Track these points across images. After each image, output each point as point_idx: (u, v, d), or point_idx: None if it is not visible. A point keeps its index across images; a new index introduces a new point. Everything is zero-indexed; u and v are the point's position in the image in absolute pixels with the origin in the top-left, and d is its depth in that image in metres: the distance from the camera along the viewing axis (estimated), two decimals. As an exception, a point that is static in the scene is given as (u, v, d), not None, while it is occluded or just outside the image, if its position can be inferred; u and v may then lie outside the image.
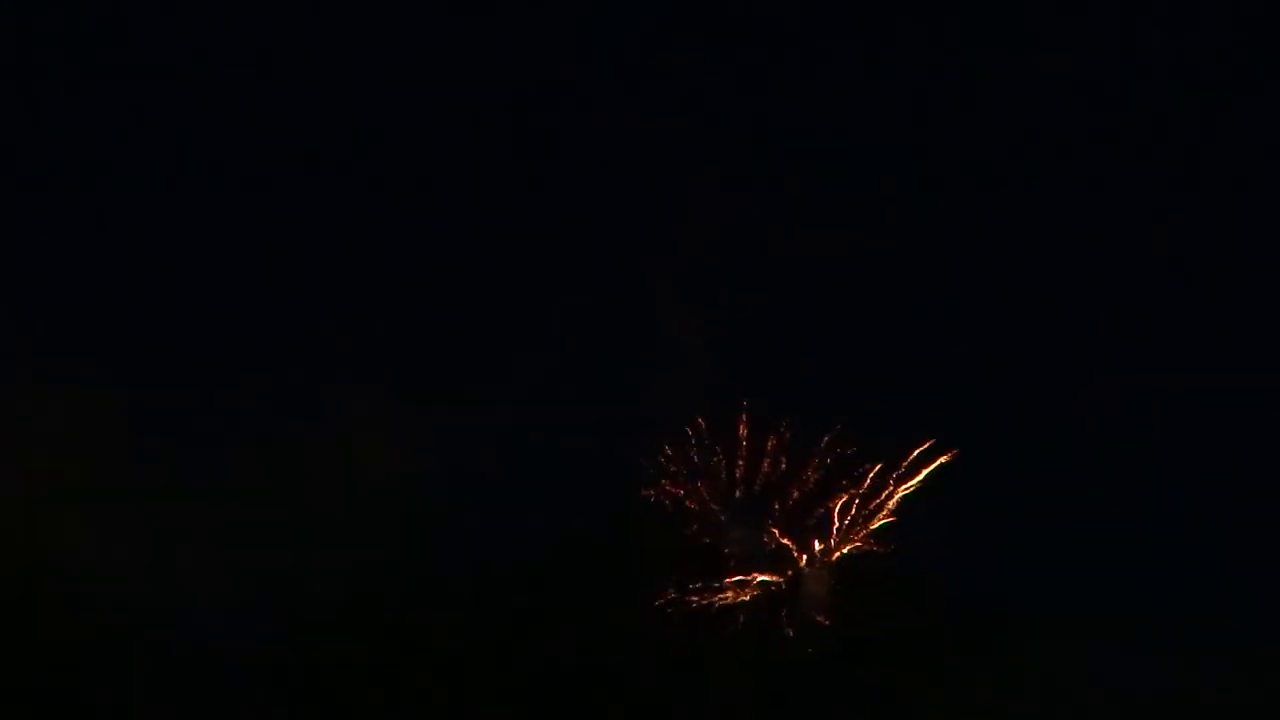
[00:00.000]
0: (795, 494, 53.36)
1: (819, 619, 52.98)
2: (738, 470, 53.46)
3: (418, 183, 57.92)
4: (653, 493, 53.41)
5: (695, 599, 52.60)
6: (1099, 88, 60.00)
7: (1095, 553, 54.99)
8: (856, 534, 53.06)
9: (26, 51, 56.61)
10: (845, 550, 53.01)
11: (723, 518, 53.05)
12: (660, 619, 52.57)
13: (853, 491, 53.06)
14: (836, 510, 53.20)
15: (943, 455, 53.02)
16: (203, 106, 57.43)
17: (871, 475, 52.91)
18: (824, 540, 53.16)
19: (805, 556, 52.90)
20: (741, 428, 53.50)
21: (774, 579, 52.92)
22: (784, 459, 53.28)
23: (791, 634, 52.87)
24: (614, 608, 53.01)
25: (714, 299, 55.86)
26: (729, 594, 52.62)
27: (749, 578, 52.82)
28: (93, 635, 52.72)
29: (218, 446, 54.84)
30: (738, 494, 53.40)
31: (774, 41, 59.80)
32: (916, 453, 52.73)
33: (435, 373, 55.88)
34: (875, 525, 52.94)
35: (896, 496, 52.65)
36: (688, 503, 53.42)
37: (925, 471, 52.57)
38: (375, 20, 57.89)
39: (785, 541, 52.97)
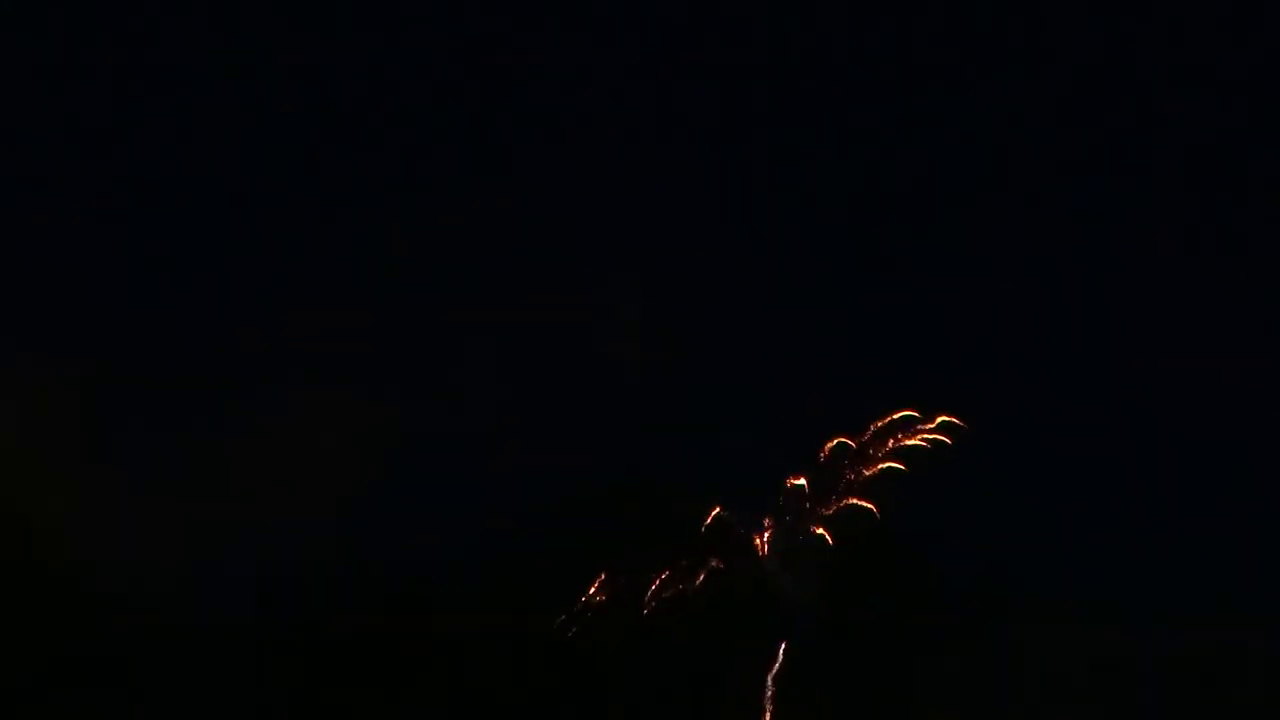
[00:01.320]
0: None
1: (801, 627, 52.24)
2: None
3: (392, 176, 58.42)
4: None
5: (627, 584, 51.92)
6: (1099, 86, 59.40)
7: (1093, 541, 54.16)
8: (815, 519, 51.85)
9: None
10: (801, 537, 51.82)
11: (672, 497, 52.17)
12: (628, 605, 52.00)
13: (797, 475, 52.14)
14: (784, 493, 52.03)
15: (913, 438, 52.18)
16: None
17: (825, 453, 51.88)
18: (780, 523, 52.11)
19: (760, 541, 51.96)
20: None
21: (720, 564, 51.99)
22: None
23: (761, 622, 52.07)
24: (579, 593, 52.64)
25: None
26: (680, 582, 51.88)
27: (701, 561, 51.97)
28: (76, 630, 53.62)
29: (197, 439, 55.46)
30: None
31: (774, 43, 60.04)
32: (871, 430, 51.60)
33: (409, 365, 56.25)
34: (834, 509, 51.83)
35: (852, 477, 51.50)
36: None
37: (884, 454, 51.48)
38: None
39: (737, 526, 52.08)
